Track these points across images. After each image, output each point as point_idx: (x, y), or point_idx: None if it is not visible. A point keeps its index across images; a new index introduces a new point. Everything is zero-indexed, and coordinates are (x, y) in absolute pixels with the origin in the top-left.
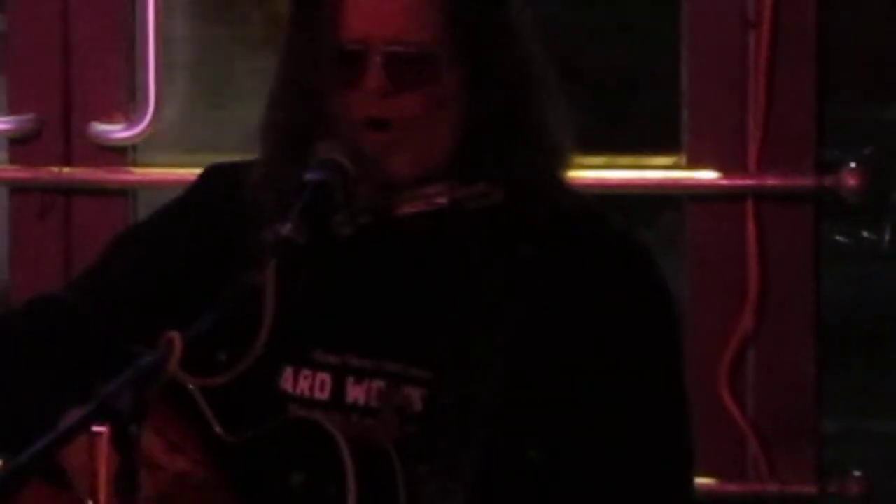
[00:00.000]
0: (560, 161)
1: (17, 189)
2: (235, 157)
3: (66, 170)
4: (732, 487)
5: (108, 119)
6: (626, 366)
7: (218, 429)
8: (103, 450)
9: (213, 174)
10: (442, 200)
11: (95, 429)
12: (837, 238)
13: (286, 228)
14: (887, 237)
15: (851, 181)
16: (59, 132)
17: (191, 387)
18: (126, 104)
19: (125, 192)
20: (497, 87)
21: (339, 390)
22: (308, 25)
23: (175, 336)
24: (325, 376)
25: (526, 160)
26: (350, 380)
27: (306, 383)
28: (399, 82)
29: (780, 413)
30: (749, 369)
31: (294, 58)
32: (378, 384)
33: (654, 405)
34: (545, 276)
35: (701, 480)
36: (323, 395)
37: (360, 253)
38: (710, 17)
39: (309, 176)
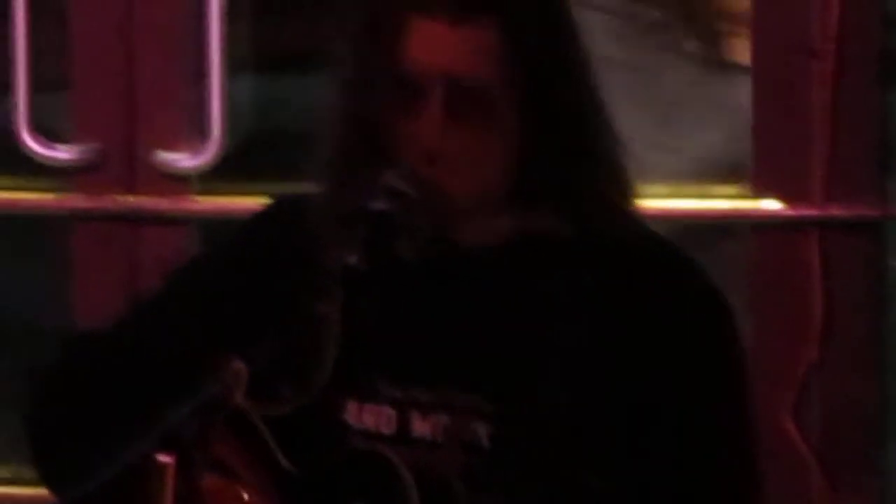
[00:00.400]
0: (623, 189)
1: (82, 218)
2: (299, 187)
3: (130, 198)
4: None
5: (173, 148)
6: (694, 397)
7: (282, 459)
8: (169, 479)
9: (277, 205)
10: (509, 232)
11: (161, 458)
12: None
13: (350, 258)
14: None
15: None
16: (124, 161)
17: (254, 417)
18: (190, 133)
19: (189, 221)
20: (558, 120)
21: (404, 425)
22: (369, 53)
23: (241, 366)
24: (390, 411)
25: (590, 188)
26: (415, 414)
27: (371, 417)
28: (458, 116)
29: (845, 443)
30: (813, 399)
31: (354, 85)
32: (444, 418)
33: (723, 437)
34: (613, 306)
35: None
36: (389, 430)
37: (425, 284)
38: (775, 47)
39: (372, 205)
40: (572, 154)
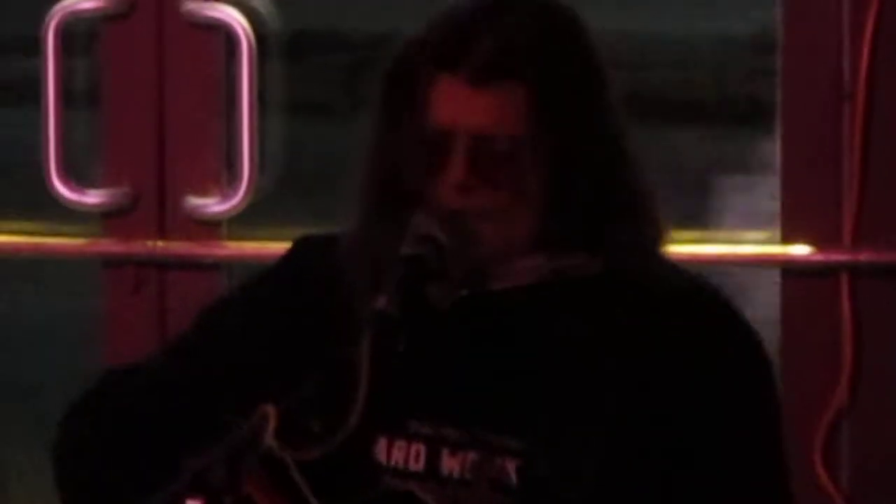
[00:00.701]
0: (655, 231)
1: (111, 263)
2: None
3: (159, 243)
4: None
5: (203, 193)
6: (728, 442)
7: (312, 501)
8: None
9: (304, 245)
10: (542, 273)
11: (190, 502)
12: None
13: (382, 302)
14: None
15: None
16: (154, 205)
17: (285, 459)
18: (220, 178)
19: (219, 267)
20: (587, 172)
21: (433, 461)
22: (397, 109)
23: (270, 408)
24: (419, 447)
25: (621, 232)
26: (445, 451)
27: (401, 454)
28: (482, 175)
29: (875, 488)
30: (844, 444)
31: (382, 139)
32: (473, 455)
33: (757, 483)
34: (645, 347)
35: None
36: (417, 467)
37: (456, 323)
38: (805, 89)
39: (405, 250)
40: (600, 203)
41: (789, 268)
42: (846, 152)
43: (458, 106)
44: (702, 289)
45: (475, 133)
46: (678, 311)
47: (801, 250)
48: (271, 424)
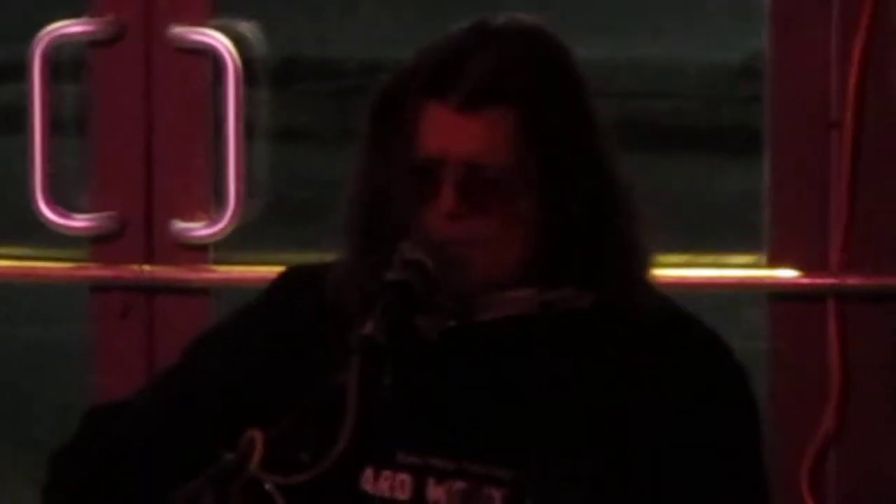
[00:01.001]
0: (644, 263)
1: (99, 288)
2: (315, 257)
3: (147, 268)
4: None
5: (190, 217)
6: (714, 475)
7: None
8: None
9: (291, 275)
10: (531, 306)
11: None
12: None
13: (368, 328)
14: None
15: None
16: (141, 230)
17: (270, 486)
18: (207, 203)
19: (206, 291)
20: (577, 202)
21: (419, 491)
22: (385, 136)
23: (256, 434)
24: (405, 476)
25: (611, 265)
26: (431, 481)
27: (386, 483)
28: (472, 204)
29: None
30: (831, 470)
31: (371, 166)
32: (459, 485)
33: None
34: (633, 379)
35: None
36: (403, 496)
37: (444, 354)
38: (793, 117)
39: (390, 276)
40: (590, 233)
41: (776, 292)
42: (833, 178)
43: (447, 133)
44: (689, 323)
45: (465, 160)
46: (665, 345)
47: (788, 274)
48: (258, 450)
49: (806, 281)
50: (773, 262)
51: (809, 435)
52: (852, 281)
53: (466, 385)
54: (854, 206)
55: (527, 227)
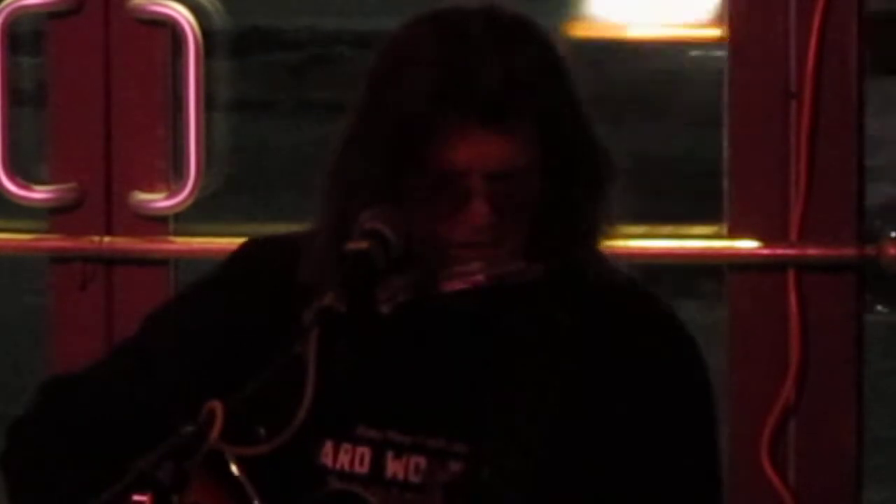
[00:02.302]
0: (600, 235)
1: (58, 259)
2: (275, 228)
3: (106, 239)
4: None
5: (150, 189)
6: (666, 442)
7: (258, 501)
8: None
9: (252, 247)
10: (480, 278)
11: (136, 499)
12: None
13: (328, 299)
14: None
15: (892, 251)
16: (101, 202)
17: (231, 461)
18: (167, 174)
19: (166, 262)
20: (580, 182)
21: (378, 465)
22: (408, 150)
23: (217, 405)
24: (364, 450)
25: (566, 238)
26: (390, 454)
27: (346, 457)
28: (502, 212)
29: (822, 484)
30: (790, 440)
31: (387, 179)
32: (418, 459)
33: (693, 484)
34: (585, 348)
35: None
36: (362, 470)
37: (403, 328)
38: (752, 88)
39: (350, 245)
40: (585, 211)
41: (736, 263)
42: (793, 149)
43: (471, 148)
44: (642, 294)
45: (491, 172)
46: (619, 316)
47: (747, 245)
48: (218, 422)
49: (765, 251)
50: (733, 233)
51: (769, 405)
52: (812, 251)
53: (423, 359)
54: (813, 176)
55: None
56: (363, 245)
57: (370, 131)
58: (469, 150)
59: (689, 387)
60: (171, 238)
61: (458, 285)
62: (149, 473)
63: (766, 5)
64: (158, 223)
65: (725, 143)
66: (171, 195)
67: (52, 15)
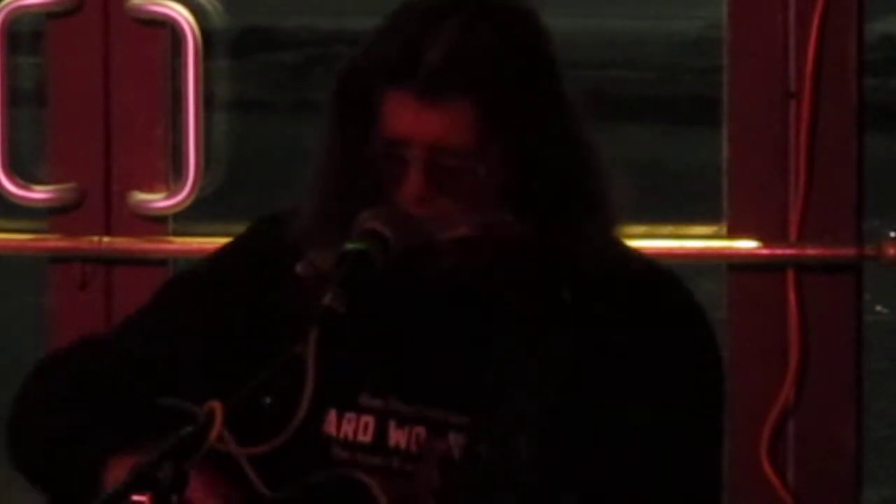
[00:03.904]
0: (610, 218)
1: (58, 259)
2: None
3: (105, 239)
4: None
5: (149, 189)
6: (668, 419)
7: (261, 488)
8: None
9: (263, 224)
10: (465, 230)
11: (136, 499)
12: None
13: (327, 299)
14: None
15: (892, 251)
16: (100, 202)
17: (234, 454)
18: (166, 174)
19: (165, 262)
20: (545, 176)
21: (381, 433)
22: (352, 122)
23: (216, 406)
24: (368, 419)
25: (569, 222)
26: (392, 423)
27: (350, 426)
28: (439, 187)
29: (821, 483)
30: (789, 439)
31: (336, 155)
32: (420, 430)
33: (692, 462)
34: (588, 322)
35: None
36: (366, 438)
37: (404, 298)
38: (752, 88)
39: (349, 246)
40: (559, 205)
41: (735, 262)
42: (792, 148)
43: (410, 119)
44: (652, 269)
45: (429, 144)
46: (619, 287)
47: (747, 245)
48: (218, 421)
49: (765, 251)
50: (732, 233)
51: (768, 405)
52: (811, 251)
53: (424, 328)
54: (813, 176)
55: (490, 198)
56: (361, 245)
57: (337, 103)
58: (407, 120)
59: (694, 370)
60: (171, 238)
61: (444, 236)
62: (148, 473)
63: (766, 5)
64: (158, 223)
65: (725, 143)
66: (171, 195)
67: (52, 15)
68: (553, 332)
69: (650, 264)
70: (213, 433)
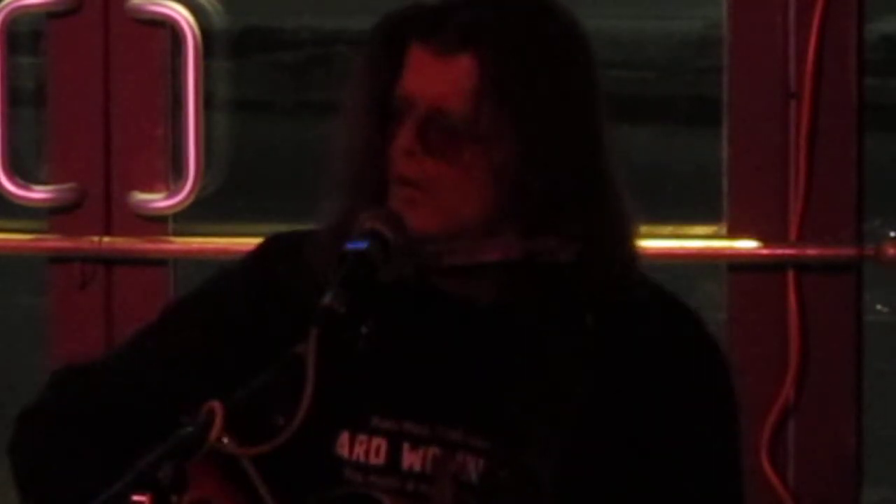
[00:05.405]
0: (628, 224)
1: (57, 259)
2: (274, 228)
3: (105, 239)
4: None
5: (149, 189)
6: (690, 449)
7: (269, 500)
8: None
9: (274, 244)
10: (514, 251)
11: (136, 499)
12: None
13: (327, 299)
14: None
15: (892, 251)
16: (100, 202)
17: (240, 456)
18: (166, 174)
19: (165, 262)
20: (550, 158)
21: (394, 456)
22: (366, 81)
23: (216, 405)
24: (380, 441)
25: (597, 222)
26: (406, 445)
27: (362, 448)
28: (428, 146)
29: (821, 484)
30: (790, 440)
31: (351, 114)
32: (434, 451)
33: (716, 491)
34: (613, 350)
35: None
36: (378, 461)
37: (422, 318)
38: (752, 88)
39: (349, 246)
40: (565, 191)
41: (735, 263)
42: (792, 149)
43: (421, 75)
44: (668, 298)
45: (430, 103)
46: (646, 320)
47: (747, 245)
48: (218, 421)
49: (765, 252)
50: (732, 233)
51: (769, 405)
52: (811, 251)
53: (441, 348)
54: (812, 176)
55: (488, 182)
56: (361, 245)
57: (368, 54)
58: (418, 77)
59: (712, 399)
60: (171, 238)
61: (494, 255)
62: (148, 473)
63: (766, 5)
64: (158, 223)
65: (725, 143)
66: (171, 195)
67: (52, 15)
68: (577, 359)
69: (661, 289)
70: (213, 433)
